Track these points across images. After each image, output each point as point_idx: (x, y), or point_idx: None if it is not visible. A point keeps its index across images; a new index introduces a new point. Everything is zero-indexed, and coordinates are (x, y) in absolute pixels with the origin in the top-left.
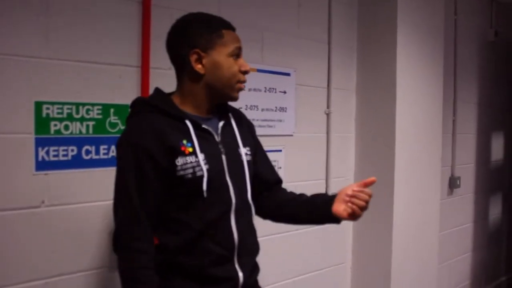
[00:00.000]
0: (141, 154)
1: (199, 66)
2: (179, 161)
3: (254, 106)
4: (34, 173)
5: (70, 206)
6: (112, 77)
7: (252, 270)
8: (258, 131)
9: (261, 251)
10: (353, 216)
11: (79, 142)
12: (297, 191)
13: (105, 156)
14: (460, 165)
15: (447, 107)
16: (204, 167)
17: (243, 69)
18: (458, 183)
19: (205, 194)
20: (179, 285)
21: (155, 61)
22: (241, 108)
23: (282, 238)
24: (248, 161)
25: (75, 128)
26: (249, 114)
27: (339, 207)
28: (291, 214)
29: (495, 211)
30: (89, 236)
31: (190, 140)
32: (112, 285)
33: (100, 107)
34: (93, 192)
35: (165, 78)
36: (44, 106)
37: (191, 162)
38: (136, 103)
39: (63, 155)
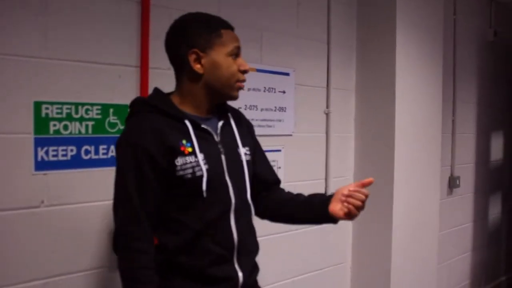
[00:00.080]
0: (141, 154)
1: (198, 66)
2: (179, 161)
3: (254, 106)
4: (33, 173)
5: (70, 206)
6: (111, 77)
7: (252, 270)
8: (258, 131)
9: (260, 251)
10: (349, 215)
11: (78, 142)
12: (297, 191)
13: (105, 156)
14: (460, 165)
15: (446, 106)
16: (204, 167)
17: (242, 68)
18: (457, 182)
19: (204, 194)
20: (179, 285)
21: (154, 61)
22: (240, 108)
23: (282, 238)
24: (247, 161)
25: (75, 128)
26: (249, 114)
27: (335, 207)
28: (288, 214)
29: (495, 210)
30: (88, 236)
31: (189, 140)
32: (112, 285)
33: (99, 107)
34: (93, 192)
35: (164, 78)
36: (43, 106)
37: (190, 162)
38: (135, 103)
39: (63, 155)
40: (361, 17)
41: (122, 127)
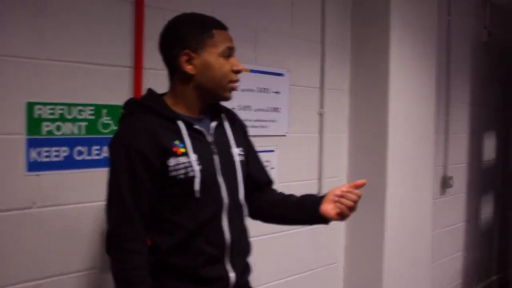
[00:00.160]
0: (134, 155)
1: (190, 67)
2: (171, 161)
3: (247, 106)
4: (25, 174)
5: (62, 207)
6: (104, 77)
7: (244, 270)
8: (251, 132)
9: (253, 251)
10: (341, 216)
11: (71, 143)
12: (290, 191)
13: (98, 157)
14: (453, 165)
15: (440, 107)
16: (196, 168)
17: (235, 68)
18: (450, 182)
19: (197, 195)
20: (171, 285)
21: (148, 62)
22: (234, 108)
23: (275, 238)
24: (240, 161)
25: (67, 128)
26: (242, 115)
27: (327, 207)
28: (280, 215)
29: (487, 210)
30: (81, 237)
31: (182, 140)
32: (105, 286)
33: (92, 107)
34: (85, 193)
35: (158, 79)
36: (36, 107)
37: (183, 162)
38: (128, 104)
39: (55, 156)
40: (355, 17)
41: (115, 128)
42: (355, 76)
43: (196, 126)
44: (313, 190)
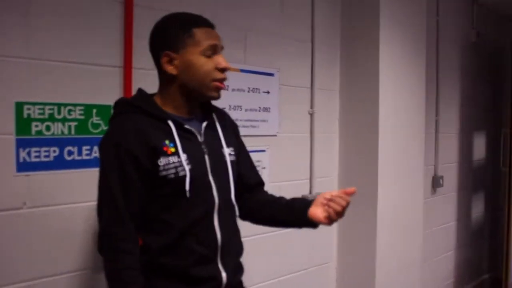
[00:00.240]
0: (124, 154)
1: (170, 67)
2: (162, 161)
3: (238, 106)
4: (15, 174)
5: (52, 208)
6: (94, 77)
7: (236, 270)
8: (242, 132)
9: (246, 251)
10: (328, 220)
11: (61, 143)
12: (281, 191)
13: (88, 157)
14: (443, 164)
15: (429, 106)
16: (187, 167)
17: (219, 66)
18: (441, 182)
19: (188, 194)
20: (162, 285)
21: (137, 62)
22: (224, 108)
23: (267, 238)
24: (232, 161)
25: (57, 129)
26: (233, 114)
27: (315, 210)
28: (269, 216)
29: (478, 209)
30: (71, 237)
31: (172, 140)
32: (97, 287)
33: (82, 107)
34: (76, 193)
35: (147, 79)
36: (25, 107)
37: (173, 162)
38: (118, 103)
39: (45, 156)
40: (345, 16)
41: (105, 128)
42: (345, 75)
43: (187, 126)
44: (304, 190)
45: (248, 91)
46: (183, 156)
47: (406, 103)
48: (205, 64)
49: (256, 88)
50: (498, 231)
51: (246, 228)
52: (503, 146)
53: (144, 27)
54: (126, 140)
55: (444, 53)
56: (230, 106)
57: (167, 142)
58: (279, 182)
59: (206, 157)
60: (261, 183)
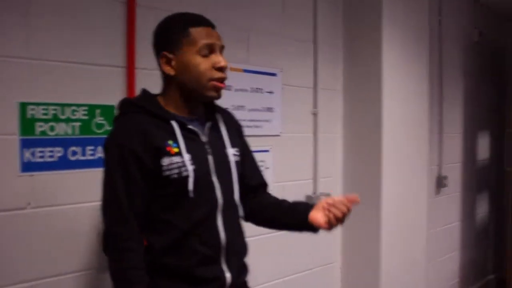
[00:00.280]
0: (127, 155)
1: (167, 68)
2: (165, 161)
3: (241, 106)
4: (19, 174)
5: (56, 208)
6: (97, 77)
7: (240, 270)
8: (245, 132)
9: (251, 251)
10: (328, 225)
11: (65, 143)
12: (285, 191)
13: (92, 157)
14: (447, 165)
15: (433, 106)
16: (190, 167)
17: (217, 65)
18: (445, 182)
19: (191, 194)
20: (166, 285)
21: (140, 62)
22: (227, 108)
23: (272, 238)
24: (236, 162)
25: (61, 129)
26: (236, 115)
27: (316, 214)
28: (271, 218)
29: (482, 209)
30: (76, 237)
31: (176, 140)
32: (102, 287)
33: (86, 107)
34: (80, 194)
35: (150, 79)
36: (29, 107)
37: (176, 162)
38: (122, 104)
39: (49, 156)
40: (347, 16)
41: (109, 128)
42: (348, 75)
43: (190, 126)
44: (308, 190)
45: (251, 91)
46: (186, 156)
47: (409, 103)
48: (201, 64)
49: (259, 88)
50: (503, 231)
51: (250, 228)
52: (507, 146)
53: (147, 27)
54: (129, 140)
55: (447, 52)
56: (233, 106)
57: (170, 142)
58: (283, 182)
59: (210, 157)
60: (264, 185)
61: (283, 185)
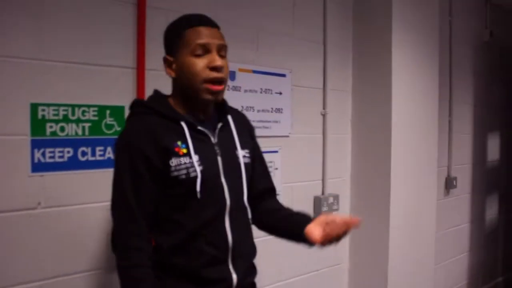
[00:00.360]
0: (135, 155)
1: (169, 70)
2: (173, 161)
3: (250, 107)
4: (30, 174)
5: (67, 208)
6: (107, 78)
7: (247, 272)
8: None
9: (258, 252)
10: (322, 241)
11: (75, 143)
12: (294, 191)
13: (101, 158)
14: (457, 166)
15: (442, 107)
16: (198, 168)
17: (210, 65)
18: (454, 183)
19: (198, 195)
20: (173, 285)
21: (150, 63)
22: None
23: (279, 239)
24: (245, 164)
25: (71, 129)
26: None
27: (313, 229)
28: (270, 226)
29: (492, 211)
30: (85, 237)
31: (184, 141)
32: (110, 287)
33: (96, 108)
34: (89, 194)
35: (160, 80)
36: (40, 108)
37: (184, 163)
38: (133, 105)
39: (59, 157)
40: (357, 17)
41: (118, 129)
42: (357, 76)
43: (200, 127)
44: (317, 191)
45: (261, 92)
46: (195, 157)
47: (418, 104)
48: (194, 64)
49: (269, 89)
50: None
51: (257, 229)
52: None
53: (157, 28)
54: (137, 141)
55: (457, 53)
56: (242, 107)
57: (179, 143)
58: (292, 183)
59: (219, 158)
60: (271, 190)
61: (291, 185)
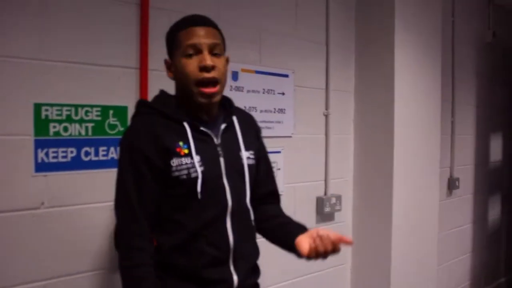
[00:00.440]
0: (137, 155)
1: (168, 72)
2: (174, 162)
3: (253, 107)
4: (33, 174)
5: (70, 208)
6: (110, 78)
7: (248, 273)
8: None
9: (261, 252)
10: (308, 255)
11: (78, 143)
12: (296, 192)
13: (105, 158)
14: (459, 166)
15: (445, 108)
16: (199, 169)
17: (200, 64)
18: (457, 184)
19: (199, 196)
20: (174, 285)
21: (153, 63)
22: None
23: None
24: (249, 165)
25: (74, 129)
26: None
27: (303, 241)
28: (265, 231)
29: (494, 212)
30: (88, 237)
31: (186, 142)
32: (112, 287)
33: (99, 108)
34: (93, 194)
35: (163, 80)
36: (43, 108)
37: (186, 163)
38: (138, 105)
39: (63, 157)
40: (359, 18)
41: (122, 129)
42: (360, 77)
43: (202, 128)
44: (319, 191)
45: (263, 93)
46: (196, 158)
47: (421, 105)
48: (186, 65)
49: (271, 90)
50: None
51: None
52: None
53: (160, 29)
54: (138, 141)
55: (459, 53)
56: (245, 107)
57: (181, 143)
58: (294, 184)
59: (221, 159)
60: (273, 193)
61: (294, 186)
